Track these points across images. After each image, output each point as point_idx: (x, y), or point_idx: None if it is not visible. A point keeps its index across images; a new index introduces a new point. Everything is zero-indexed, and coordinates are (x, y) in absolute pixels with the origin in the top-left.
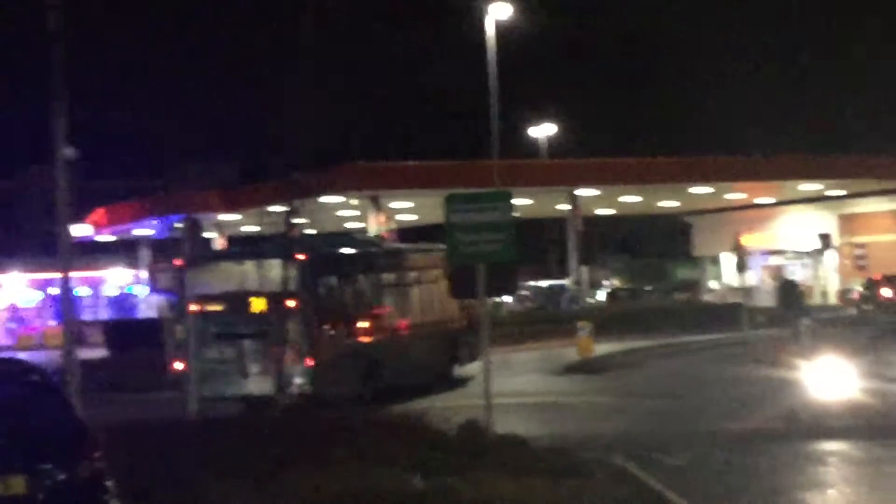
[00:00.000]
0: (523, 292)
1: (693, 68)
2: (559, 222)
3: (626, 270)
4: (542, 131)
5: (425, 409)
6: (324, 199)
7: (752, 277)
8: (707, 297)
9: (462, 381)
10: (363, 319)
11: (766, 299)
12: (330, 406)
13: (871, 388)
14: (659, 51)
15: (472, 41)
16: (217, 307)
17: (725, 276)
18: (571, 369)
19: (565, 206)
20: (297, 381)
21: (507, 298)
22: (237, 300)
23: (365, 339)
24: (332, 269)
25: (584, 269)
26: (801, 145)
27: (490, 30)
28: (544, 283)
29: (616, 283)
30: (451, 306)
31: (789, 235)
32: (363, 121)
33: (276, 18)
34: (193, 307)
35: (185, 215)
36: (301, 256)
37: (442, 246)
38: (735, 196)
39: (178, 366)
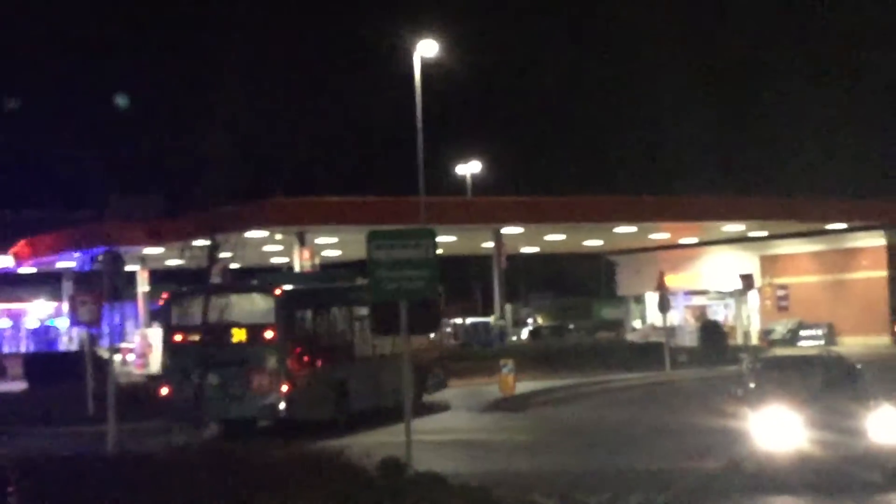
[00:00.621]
0: (447, 329)
1: (618, 108)
2: (484, 260)
3: (551, 308)
4: (469, 169)
5: (346, 446)
6: (249, 233)
7: (676, 317)
8: (630, 337)
9: (429, 409)
10: (337, 349)
11: (689, 339)
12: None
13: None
14: (586, 91)
15: (402, 78)
16: (199, 337)
17: (649, 315)
18: (493, 407)
19: (490, 244)
20: (274, 405)
21: (431, 335)
22: (219, 331)
23: (338, 367)
24: (307, 302)
25: (508, 307)
26: (725, 186)
27: (417, 67)
28: (468, 321)
29: (540, 320)
30: (420, 339)
31: (712, 276)
32: (290, 156)
33: (204, 48)
34: (177, 337)
35: (107, 248)
36: (278, 291)
37: None
38: (659, 236)
39: (164, 391)
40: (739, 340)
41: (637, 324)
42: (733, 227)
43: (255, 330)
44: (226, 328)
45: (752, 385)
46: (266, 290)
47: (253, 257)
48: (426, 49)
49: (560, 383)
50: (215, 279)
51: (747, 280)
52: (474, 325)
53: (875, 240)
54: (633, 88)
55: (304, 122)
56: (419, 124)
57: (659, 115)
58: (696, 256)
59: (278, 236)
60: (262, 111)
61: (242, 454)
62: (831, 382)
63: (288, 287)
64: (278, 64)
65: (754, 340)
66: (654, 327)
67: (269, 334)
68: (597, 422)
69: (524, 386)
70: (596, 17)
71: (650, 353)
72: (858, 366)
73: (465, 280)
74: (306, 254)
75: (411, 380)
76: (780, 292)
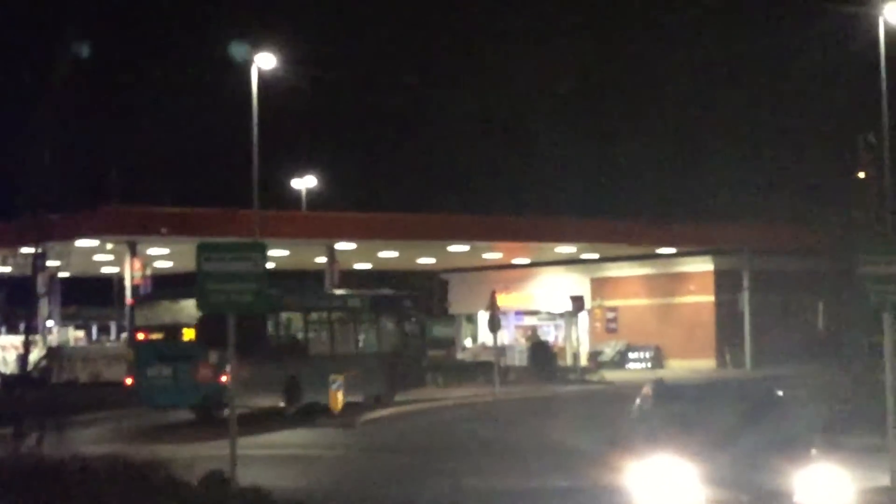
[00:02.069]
0: None
1: (458, 126)
2: (317, 275)
3: None
4: (304, 183)
5: (172, 458)
6: (79, 242)
7: (506, 336)
8: (461, 355)
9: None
10: (285, 347)
11: (519, 358)
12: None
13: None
14: (424, 108)
15: (239, 90)
16: (158, 336)
17: (480, 334)
18: (322, 422)
19: (323, 259)
20: (215, 394)
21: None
22: (174, 330)
23: (287, 363)
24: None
25: None
26: (557, 208)
27: (254, 80)
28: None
29: None
30: (392, 341)
31: (544, 296)
32: (124, 165)
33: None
34: (140, 335)
35: None
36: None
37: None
38: (492, 255)
39: (129, 381)
40: (569, 361)
41: (468, 342)
42: (565, 249)
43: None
44: (179, 328)
45: (638, 424)
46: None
47: (82, 266)
48: (264, 62)
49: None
50: (41, 288)
51: (577, 301)
52: None
53: (703, 265)
54: (474, 106)
55: (139, 132)
56: (255, 137)
57: (502, 134)
58: (529, 277)
59: (109, 246)
60: (96, 119)
61: (57, 465)
62: (749, 419)
63: None
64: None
65: (583, 362)
66: (484, 346)
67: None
68: (424, 438)
69: (355, 402)
70: (439, 32)
71: (480, 371)
72: (780, 392)
73: None
74: (137, 264)
75: (230, 397)
76: (610, 314)
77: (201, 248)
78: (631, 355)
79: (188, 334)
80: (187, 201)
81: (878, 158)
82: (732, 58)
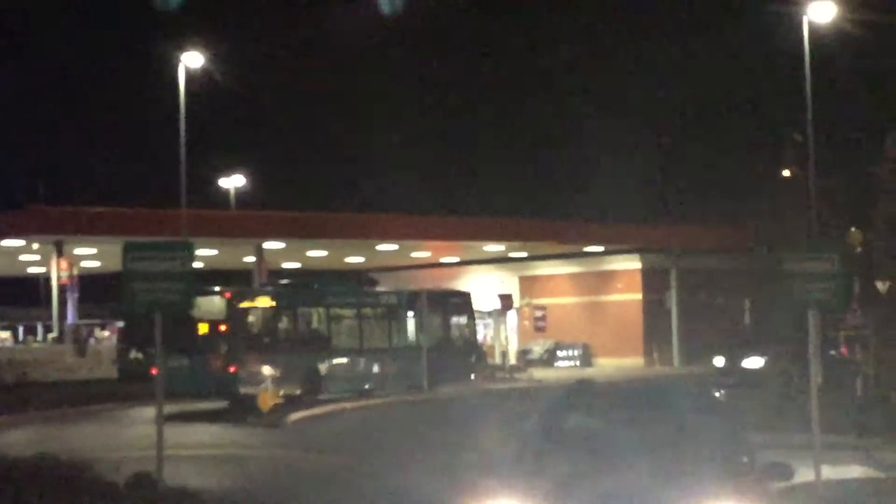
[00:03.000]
0: None
1: (383, 125)
2: (246, 274)
3: None
4: (232, 182)
5: (99, 459)
6: (5, 242)
7: None
8: None
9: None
10: (307, 338)
11: None
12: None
13: None
14: (350, 107)
15: (169, 88)
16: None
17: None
18: (253, 422)
19: (252, 258)
20: (225, 383)
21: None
22: (189, 324)
23: (305, 353)
24: (254, 300)
25: None
26: (486, 207)
27: (181, 78)
28: None
29: None
30: (436, 335)
31: (473, 295)
32: (51, 165)
33: None
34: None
35: None
36: (227, 294)
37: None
38: (420, 254)
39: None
40: (497, 360)
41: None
42: (494, 248)
43: (213, 324)
44: (193, 322)
45: (534, 438)
46: (219, 292)
47: (8, 266)
48: (191, 60)
49: (321, 398)
50: None
51: (506, 300)
52: None
53: (631, 263)
54: (407, 106)
55: (67, 131)
56: (182, 136)
57: (425, 132)
58: (458, 275)
59: (35, 245)
60: (21, 119)
61: None
62: (678, 431)
63: (234, 290)
64: (40, 72)
65: (512, 360)
66: None
67: (222, 327)
68: (355, 439)
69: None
70: (367, 32)
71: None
72: (718, 393)
73: None
74: (64, 264)
75: (158, 396)
76: (538, 313)
77: (127, 248)
78: (560, 353)
79: (202, 328)
80: (115, 201)
81: (804, 156)
82: (658, 55)
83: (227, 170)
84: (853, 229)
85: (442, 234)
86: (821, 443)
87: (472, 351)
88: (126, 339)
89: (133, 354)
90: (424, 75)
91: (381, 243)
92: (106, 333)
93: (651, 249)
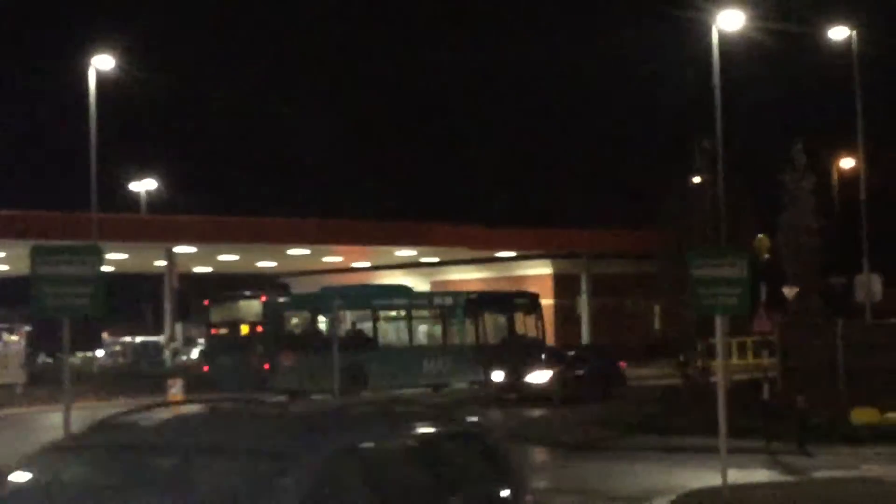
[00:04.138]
0: (116, 347)
1: (295, 131)
2: (157, 278)
3: None
4: (143, 186)
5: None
6: None
7: None
8: None
9: None
10: (354, 340)
11: None
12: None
13: None
14: (263, 112)
15: (77, 93)
16: (225, 331)
17: None
18: None
19: (163, 263)
20: (265, 379)
21: (99, 353)
22: (234, 326)
23: (355, 354)
24: (288, 306)
25: (180, 326)
26: (399, 211)
27: (91, 82)
28: (138, 340)
29: None
30: (496, 335)
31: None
32: None
33: None
34: (213, 330)
35: None
36: (263, 298)
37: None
38: (332, 259)
39: (205, 368)
40: None
41: None
42: (405, 253)
43: (252, 325)
44: (238, 324)
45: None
46: (256, 297)
47: None
48: (102, 63)
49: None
50: None
51: None
52: (144, 344)
53: (542, 269)
54: (323, 109)
55: None
56: (93, 140)
57: (347, 136)
58: (370, 280)
59: None
60: None
61: None
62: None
63: (270, 295)
64: None
65: None
66: None
67: (258, 329)
68: None
69: (193, 407)
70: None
71: None
72: (478, 416)
73: (137, 298)
74: None
75: (67, 400)
76: None
77: (35, 252)
78: None
79: (244, 329)
80: (25, 204)
81: (713, 163)
82: (568, 59)
83: (139, 173)
84: (761, 235)
85: (353, 238)
86: (727, 447)
87: (533, 350)
88: (35, 342)
89: (42, 359)
90: (338, 80)
91: (292, 248)
92: (14, 338)
93: (562, 255)
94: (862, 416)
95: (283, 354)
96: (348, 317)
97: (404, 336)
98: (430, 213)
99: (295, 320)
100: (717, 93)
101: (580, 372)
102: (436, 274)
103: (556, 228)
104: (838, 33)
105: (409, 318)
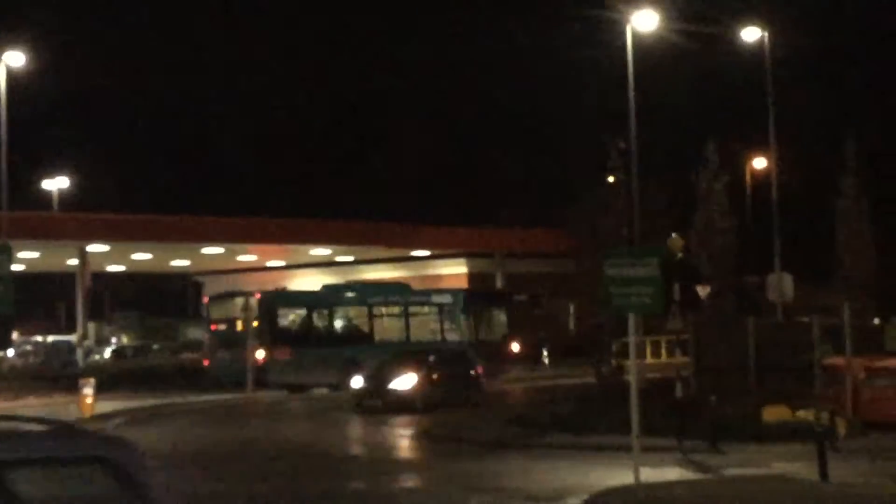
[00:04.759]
0: (27, 347)
1: (211, 128)
2: (69, 277)
3: (137, 328)
4: (56, 184)
5: None
6: None
7: None
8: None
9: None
10: (346, 335)
11: None
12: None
13: None
14: (182, 109)
15: None
16: (223, 327)
17: None
18: None
19: (75, 261)
20: (262, 374)
21: (9, 353)
22: (232, 322)
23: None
24: (281, 303)
25: (92, 326)
26: (313, 209)
27: (2, 77)
28: (50, 339)
29: (125, 340)
30: (489, 330)
31: None
32: None
33: None
34: (213, 326)
35: None
36: (257, 295)
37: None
38: (247, 258)
39: (205, 363)
40: None
41: None
42: (320, 251)
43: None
44: (235, 321)
45: None
46: (251, 294)
47: None
48: (13, 59)
49: (141, 404)
50: None
51: None
52: (56, 343)
53: (457, 268)
54: (235, 107)
55: None
56: (3, 136)
57: (257, 133)
58: (285, 279)
59: None
60: None
61: None
62: None
63: (265, 293)
64: None
65: None
66: None
67: (254, 324)
68: (179, 443)
69: (105, 406)
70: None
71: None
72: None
73: (49, 297)
74: None
75: None
76: None
77: None
78: None
79: (240, 325)
80: None
81: (627, 163)
82: (483, 59)
83: (51, 171)
84: (674, 235)
85: (267, 237)
86: (641, 445)
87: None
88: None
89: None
90: (253, 78)
91: (206, 246)
92: None
93: (477, 254)
94: (773, 414)
95: (279, 350)
96: (345, 313)
97: (399, 332)
98: (346, 213)
99: (291, 317)
100: (631, 93)
101: (436, 376)
102: (351, 273)
103: (472, 227)
104: (751, 34)
105: (405, 315)
